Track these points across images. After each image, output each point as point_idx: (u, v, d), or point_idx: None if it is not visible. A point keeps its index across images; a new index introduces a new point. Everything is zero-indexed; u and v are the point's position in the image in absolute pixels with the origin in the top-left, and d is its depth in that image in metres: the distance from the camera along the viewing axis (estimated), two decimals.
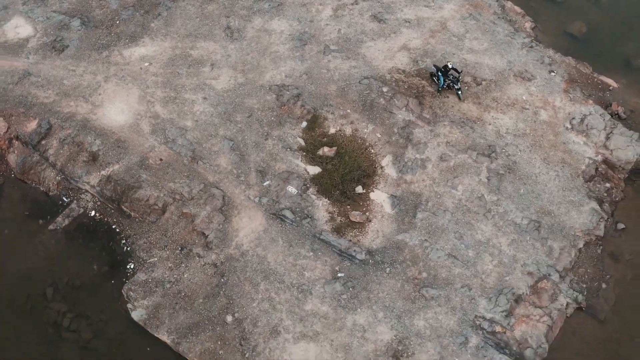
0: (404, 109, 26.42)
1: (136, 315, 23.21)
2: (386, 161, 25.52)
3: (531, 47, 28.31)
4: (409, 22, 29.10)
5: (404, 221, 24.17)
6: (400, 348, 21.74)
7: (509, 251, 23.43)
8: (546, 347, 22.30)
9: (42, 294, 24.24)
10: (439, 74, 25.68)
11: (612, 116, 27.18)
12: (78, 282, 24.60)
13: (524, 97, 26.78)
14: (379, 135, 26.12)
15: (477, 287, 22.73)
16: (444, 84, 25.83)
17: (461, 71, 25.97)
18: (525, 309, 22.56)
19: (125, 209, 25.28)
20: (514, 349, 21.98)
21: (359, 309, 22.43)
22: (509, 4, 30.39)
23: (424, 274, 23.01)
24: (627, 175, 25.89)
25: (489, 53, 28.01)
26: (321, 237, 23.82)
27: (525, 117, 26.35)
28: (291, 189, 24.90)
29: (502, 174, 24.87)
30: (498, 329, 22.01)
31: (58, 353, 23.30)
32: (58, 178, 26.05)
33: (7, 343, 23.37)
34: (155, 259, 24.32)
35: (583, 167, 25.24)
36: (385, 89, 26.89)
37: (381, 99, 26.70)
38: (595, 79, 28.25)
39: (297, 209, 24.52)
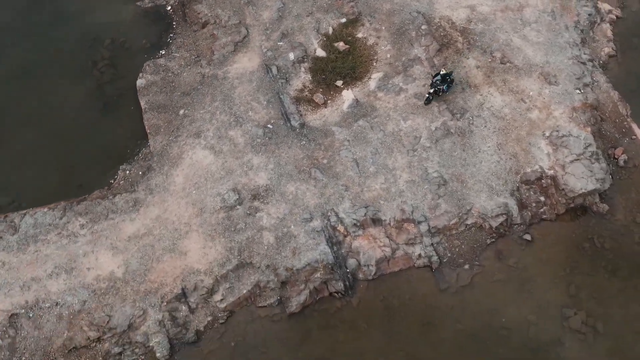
0: (423, 48, 28.48)
1: (139, 82, 29.35)
2: (376, 76, 28.10)
3: (582, 63, 28.10)
4: None
5: (346, 120, 26.93)
6: (262, 194, 25.22)
7: (401, 185, 25.15)
8: (372, 270, 24.14)
9: (103, 40, 31.44)
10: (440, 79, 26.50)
11: (609, 157, 26.48)
12: (127, 45, 31.38)
13: (531, 93, 27.17)
14: (389, 56, 28.65)
15: (352, 192, 25.05)
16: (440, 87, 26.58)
17: (444, 89, 26.61)
18: (376, 232, 24.44)
19: (186, 13, 31.31)
20: (342, 251, 24.21)
21: (260, 154, 26.17)
22: (605, 26, 29.94)
23: (325, 161, 25.84)
24: (573, 205, 25.48)
25: (536, 47, 28.47)
26: (281, 95, 27.62)
27: (517, 107, 26.88)
28: (291, 56, 28.85)
29: (451, 133, 26.16)
30: (340, 228, 24.32)
31: (83, 80, 30.43)
32: None
33: (64, 57, 31.08)
34: (178, 55, 30.13)
35: (528, 170, 25.45)
36: (424, 27, 29.06)
37: (413, 33, 28.99)
38: (625, 123, 27.35)
39: (284, 70, 28.49)
